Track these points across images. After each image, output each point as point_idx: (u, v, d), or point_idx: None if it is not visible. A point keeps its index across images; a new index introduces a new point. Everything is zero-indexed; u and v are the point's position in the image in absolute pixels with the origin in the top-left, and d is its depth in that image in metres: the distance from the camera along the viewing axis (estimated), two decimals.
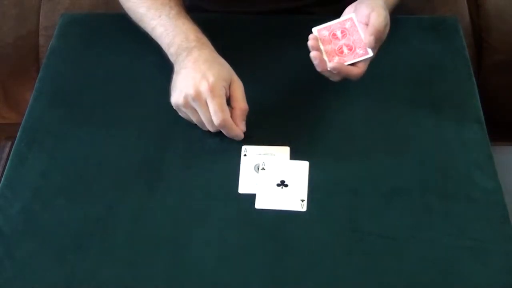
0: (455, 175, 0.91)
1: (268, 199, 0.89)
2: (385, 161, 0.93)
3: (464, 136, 0.96)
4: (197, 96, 0.91)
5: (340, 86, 0.98)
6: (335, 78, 0.97)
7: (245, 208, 0.88)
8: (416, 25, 1.13)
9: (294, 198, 0.89)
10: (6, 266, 0.83)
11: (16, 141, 0.97)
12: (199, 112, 0.93)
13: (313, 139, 0.96)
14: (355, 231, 0.86)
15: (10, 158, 0.95)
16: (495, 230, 0.86)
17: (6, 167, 0.94)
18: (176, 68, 0.97)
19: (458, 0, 1.40)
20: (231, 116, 0.93)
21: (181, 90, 0.93)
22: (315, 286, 0.81)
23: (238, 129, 0.93)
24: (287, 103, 1.01)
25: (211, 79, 0.91)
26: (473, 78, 1.04)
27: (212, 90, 0.91)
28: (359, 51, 0.95)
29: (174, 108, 0.95)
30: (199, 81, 0.92)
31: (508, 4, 1.39)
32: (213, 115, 0.91)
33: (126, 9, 1.09)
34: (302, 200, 0.88)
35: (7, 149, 1.29)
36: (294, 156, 0.93)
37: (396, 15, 1.07)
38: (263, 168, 0.92)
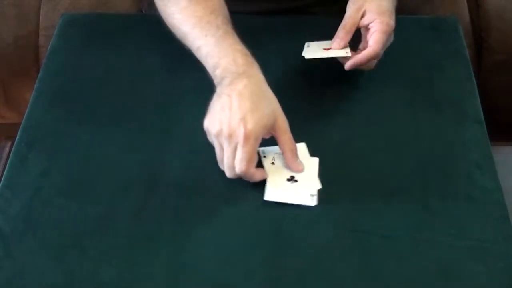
0: (455, 175, 0.91)
1: (278, 193, 0.89)
2: (385, 161, 0.93)
3: (464, 136, 0.96)
4: (230, 137, 0.85)
5: (339, 86, 0.98)
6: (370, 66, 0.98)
7: (245, 208, 0.88)
8: (416, 25, 1.13)
9: (304, 192, 0.88)
10: (6, 266, 0.83)
11: (16, 141, 0.97)
12: (224, 152, 0.87)
13: (313, 139, 0.96)
14: (355, 231, 0.86)
15: (10, 158, 0.95)
16: (495, 230, 0.86)
17: (6, 167, 0.94)
18: (218, 90, 0.90)
19: (458, 0, 1.40)
20: (284, 156, 0.90)
21: (217, 121, 0.87)
22: (315, 286, 0.81)
23: (257, 174, 0.89)
24: (287, 104, 1.01)
25: (249, 125, 0.85)
26: (473, 78, 1.05)
27: (246, 138, 0.85)
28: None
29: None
30: (238, 124, 0.85)
31: (508, 4, 1.39)
32: (237, 162, 0.86)
33: (169, 26, 1.02)
34: (312, 195, 0.88)
35: (7, 149, 1.29)
36: None
37: (396, 15, 1.07)
38: (272, 163, 0.91)
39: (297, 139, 0.95)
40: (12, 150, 0.96)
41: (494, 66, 1.43)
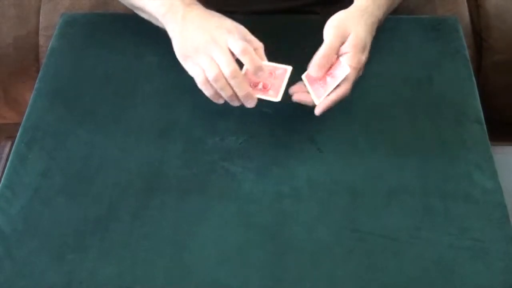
0: (455, 175, 0.91)
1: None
2: (385, 161, 0.93)
3: (464, 136, 0.96)
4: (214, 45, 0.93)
5: None
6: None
7: (245, 208, 0.88)
8: (416, 25, 1.13)
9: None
10: (6, 266, 0.83)
11: (16, 141, 0.97)
12: (206, 67, 0.93)
13: (312, 139, 0.96)
14: (355, 231, 0.86)
15: (10, 158, 0.95)
16: (495, 230, 0.86)
17: (6, 167, 0.94)
18: (171, 30, 0.97)
19: (458, 0, 1.40)
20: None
21: (190, 47, 0.95)
22: (315, 286, 0.81)
23: (245, 82, 0.92)
24: (285, 104, 1.01)
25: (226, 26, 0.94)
26: (473, 78, 1.04)
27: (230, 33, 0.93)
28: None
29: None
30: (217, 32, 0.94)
31: (508, 4, 1.39)
32: (223, 68, 0.91)
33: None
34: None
35: (7, 149, 1.29)
36: (293, 156, 0.94)
37: (396, 15, 1.07)
38: None
39: (296, 139, 0.96)
40: (12, 150, 0.96)
41: (494, 66, 1.42)
